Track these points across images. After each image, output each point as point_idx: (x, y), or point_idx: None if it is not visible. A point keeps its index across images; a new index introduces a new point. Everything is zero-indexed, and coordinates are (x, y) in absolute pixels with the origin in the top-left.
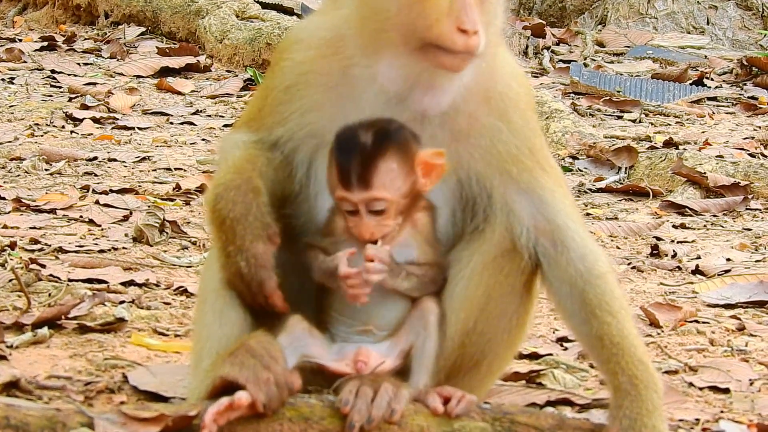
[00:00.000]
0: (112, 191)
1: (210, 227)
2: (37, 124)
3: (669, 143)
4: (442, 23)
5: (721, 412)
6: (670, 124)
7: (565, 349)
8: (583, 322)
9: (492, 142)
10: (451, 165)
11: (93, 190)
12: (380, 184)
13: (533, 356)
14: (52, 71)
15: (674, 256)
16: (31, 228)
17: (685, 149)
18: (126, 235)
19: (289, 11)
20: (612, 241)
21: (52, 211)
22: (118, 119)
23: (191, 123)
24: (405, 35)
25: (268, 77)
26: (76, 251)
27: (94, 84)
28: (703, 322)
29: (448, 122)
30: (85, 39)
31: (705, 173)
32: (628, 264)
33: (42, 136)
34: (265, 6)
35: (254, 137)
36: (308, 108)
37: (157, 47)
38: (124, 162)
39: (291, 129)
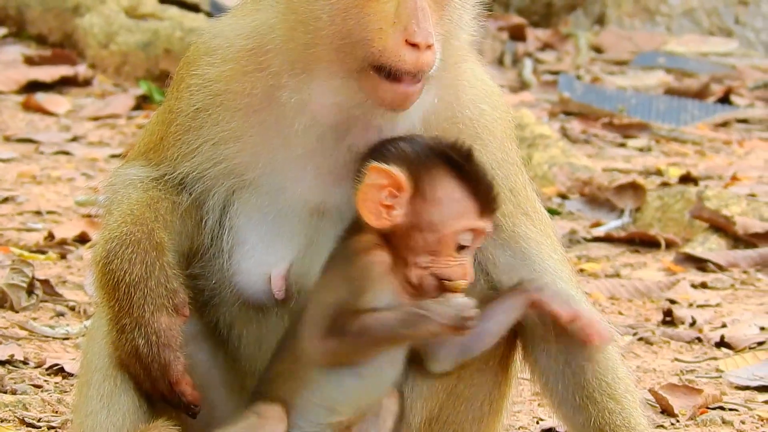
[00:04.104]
0: None
1: (98, 292)
2: None
3: (686, 178)
4: (387, 35)
5: None
6: (687, 154)
7: None
8: (577, 409)
9: None
10: None
11: None
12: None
13: None
14: None
15: (693, 324)
16: None
17: (706, 186)
18: None
19: (194, 8)
20: (613, 304)
21: None
22: None
23: (67, 152)
24: (339, 51)
25: (171, 97)
26: None
27: None
28: (731, 409)
29: None
30: None
31: (733, 217)
32: (634, 334)
33: None
34: (164, 1)
35: (154, 173)
36: (223, 138)
37: (22, 54)
38: None
39: (201, 164)
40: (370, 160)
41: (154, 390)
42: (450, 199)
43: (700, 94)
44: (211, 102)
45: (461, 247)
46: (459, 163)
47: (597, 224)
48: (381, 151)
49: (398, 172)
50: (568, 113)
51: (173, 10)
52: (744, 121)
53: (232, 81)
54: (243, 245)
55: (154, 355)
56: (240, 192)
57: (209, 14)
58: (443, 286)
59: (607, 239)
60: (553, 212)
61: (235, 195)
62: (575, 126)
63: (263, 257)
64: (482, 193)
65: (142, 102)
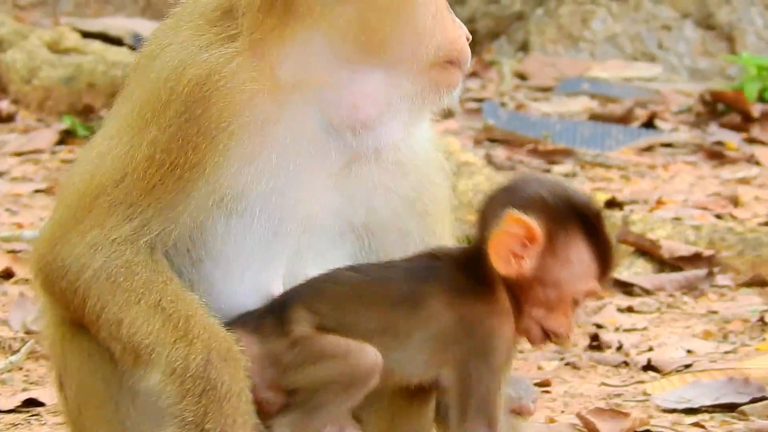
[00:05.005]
0: None
1: (175, 397)
2: None
3: (611, 203)
4: (457, 33)
5: None
6: (612, 179)
7: None
8: None
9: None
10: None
11: None
12: None
13: None
14: None
15: (620, 348)
16: None
17: (632, 210)
18: None
19: (117, 41)
20: None
21: None
22: None
23: None
24: (421, 52)
25: (181, 128)
26: None
27: None
28: None
29: (395, 156)
30: None
31: (658, 241)
32: (561, 359)
33: None
34: (86, 35)
35: (127, 229)
36: (234, 160)
37: None
38: None
39: (203, 194)
40: (508, 205)
41: None
42: (579, 260)
43: (625, 119)
44: (224, 128)
45: (575, 304)
46: (593, 224)
47: None
48: (518, 193)
49: (535, 225)
50: (492, 140)
51: (96, 45)
52: (668, 145)
53: (252, 103)
54: (237, 267)
55: None
56: (233, 213)
57: (132, 48)
58: (548, 339)
59: None
60: None
61: (228, 217)
62: (500, 153)
63: (259, 276)
64: (607, 257)
65: (66, 137)
